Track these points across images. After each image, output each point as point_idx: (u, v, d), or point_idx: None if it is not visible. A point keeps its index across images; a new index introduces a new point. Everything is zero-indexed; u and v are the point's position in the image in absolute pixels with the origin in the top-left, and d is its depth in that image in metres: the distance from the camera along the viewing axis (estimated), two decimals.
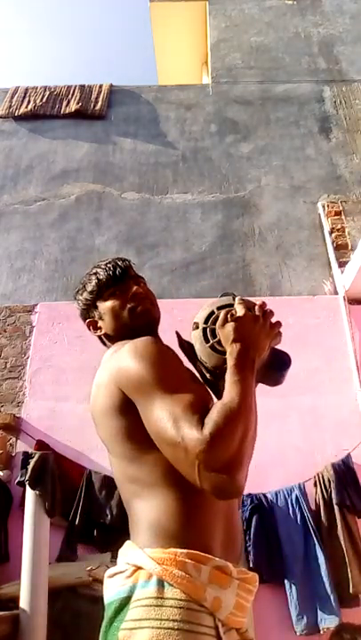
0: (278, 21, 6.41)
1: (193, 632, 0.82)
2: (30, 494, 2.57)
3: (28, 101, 5.58)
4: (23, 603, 2.18)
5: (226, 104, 5.57)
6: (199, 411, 0.89)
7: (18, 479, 2.91)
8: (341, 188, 4.80)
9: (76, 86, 5.77)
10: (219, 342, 1.02)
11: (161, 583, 0.86)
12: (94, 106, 5.52)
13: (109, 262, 1.25)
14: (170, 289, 4.14)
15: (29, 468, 2.81)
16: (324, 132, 5.27)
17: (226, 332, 0.99)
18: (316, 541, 2.95)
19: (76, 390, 3.67)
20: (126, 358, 1.01)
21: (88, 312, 1.26)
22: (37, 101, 5.56)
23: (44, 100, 5.59)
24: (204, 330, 1.05)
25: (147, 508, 0.94)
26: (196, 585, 0.86)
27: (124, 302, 1.19)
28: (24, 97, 5.66)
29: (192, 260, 4.38)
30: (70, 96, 5.65)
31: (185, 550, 0.88)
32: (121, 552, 0.97)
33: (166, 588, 0.85)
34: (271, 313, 1.05)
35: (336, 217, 4.52)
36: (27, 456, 2.98)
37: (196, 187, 4.88)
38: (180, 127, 5.39)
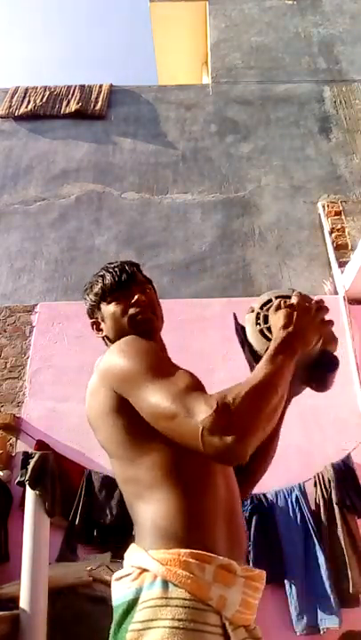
0: (278, 21, 6.41)
1: (199, 631, 0.83)
2: (30, 494, 2.57)
3: (28, 101, 5.58)
4: (23, 603, 2.18)
5: (226, 104, 5.57)
6: (199, 387, 0.91)
7: (18, 479, 2.91)
8: (341, 188, 4.80)
9: (76, 86, 5.77)
10: (269, 329, 1.03)
11: (165, 584, 0.86)
12: (94, 106, 5.52)
13: (117, 266, 1.24)
14: (170, 289, 4.14)
15: (29, 467, 2.81)
16: (324, 132, 5.27)
17: (276, 318, 1.00)
18: (316, 541, 2.95)
19: (76, 390, 3.67)
20: (112, 357, 1.02)
21: (93, 312, 1.25)
22: (37, 101, 5.56)
23: (44, 100, 5.59)
24: (258, 314, 1.07)
25: (149, 509, 0.94)
26: (201, 584, 0.86)
27: (126, 308, 1.18)
28: (24, 97, 5.66)
29: (192, 260, 4.38)
30: (70, 96, 5.65)
31: (188, 550, 0.88)
32: (126, 555, 0.97)
33: (171, 588, 0.85)
34: (325, 309, 1.03)
35: (336, 217, 4.52)
36: (27, 456, 2.98)
37: (196, 187, 4.88)
38: (180, 127, 5.39)
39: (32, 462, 2.85)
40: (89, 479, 3.25)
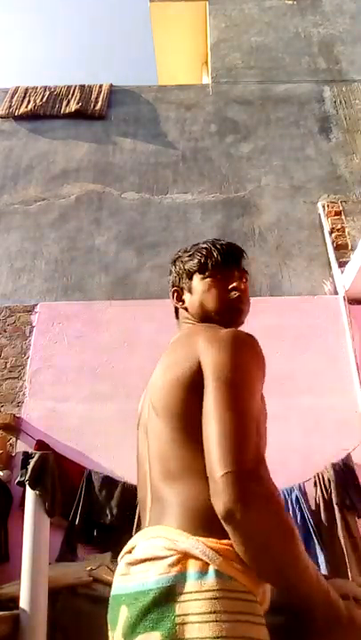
0: (278, 21, 6.41)
1: (258, 624, 0.79)
2: (30, 494, 2.57)
3: (28, 101, 5.58)
4: (23, 603, 2.18)
5: (226, 104, 5.57)
6: (259, 438, 0.88)
7: (18, 479, 2.90)
8: (341, 188, 4.80)
9: (76, 86, 5.77)
10: None
11: (220, 575, 0.79)
12: (94, 106, 5.52)
13: (226, 244, 1.19)
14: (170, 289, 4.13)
15: (29, 467, 2.81)
16: (324, 132, 5.27)
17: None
18: (316, 541, 2.95)
19: (76, 390, 3.67)
20: (222, 343, 0.93)
21: (179, 280, 1.19)
22: (37, 101, 5.56)
23: (44, 100, 5.59)
24: None
25: (194, 492, 0.87)
26: (253, 579, 0.82)
27: (224, 290, 1.11)
28: (24, 97, 5.66)
29: None
30: (70, 96, 5.65)
31: None
32: (155, 534, 0.87)
33: (225, 579, 0.79)
34: None
35: (336, 217, 4.52)
36: (27, 456, 2.98)
37: (196, 187, 4.88)
38: (180, 127, 5.39)
39: (32, 462, 2.85)
40: (89, 479, 3.25)
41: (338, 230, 4.43)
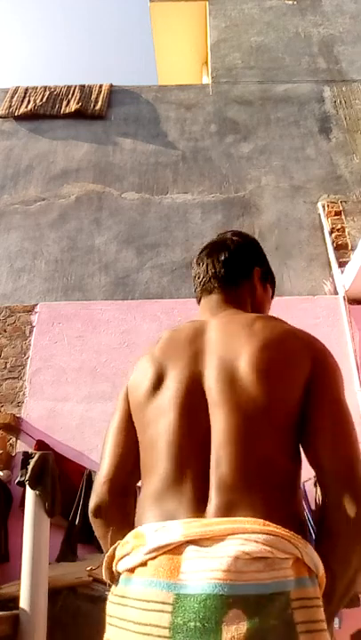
0: (278, 21, 6.42)
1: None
2: (30, 494, 2.57)
3: (28, 101, 5.59)
4: (23, 603, 2.18)
5: (226, 104, 5.57)
6: None
7: (18, 479, 2.90)
8: (341, 188, 4.80)
9: (76, 86, 5.77)
10: None
11: (318, 583, 0.81)
12: (94, 106, 5.53)
13: None
14: (170, 289, 4.14)
15: (29, 467, 2.81)
16: (324, 132, 5.27)
17: None
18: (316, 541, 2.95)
19: (76, 390, 3.67)
20: (329, 357, 1.03)
21: (264, 267, 1.25)
22: (37, 101, 5.56)
23: (44, 99, 5.59)
24: None
25: (295, 499, 0.91)
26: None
27: (270, 305, 1.28)
28: (24, 97, 5.66)
29: (192, 259, 4.38)
30: (70, 96, 5.65)
31: None
32: (265, 530, 0.79)
33: (318, 588, 0.80)
34: None
35: (336, 217, 4.52)
36: (27, 456, 2.98)
37: (196, 187, 4.88)
38: (180, 127, 5.40)
39: (32, 462, 2.85)
40: (89, 479, 3.24)
41: (338, 230, 4.43)
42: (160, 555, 0.79)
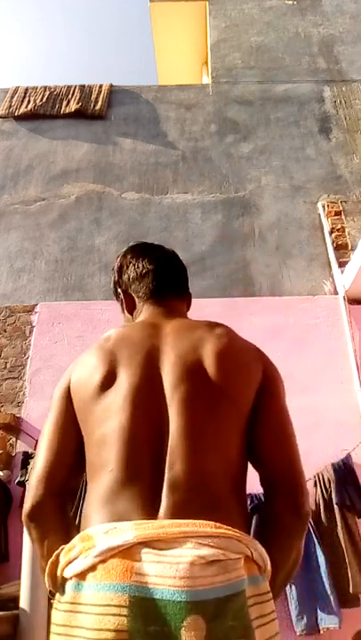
0: (278, 21, 6.42)
1: None
2: None
3: (28, 101, 5.59)
4: (23, 603, 2.18)
5: (226, 104, 5.57)
6: None
7: (18, 479, 2.91)
8: (341, 188, 4.80)
9: (76, 86, 5.77)
10: None
11: (266, 578, 0.87)
12: (94, 106, 5.53)
13: None
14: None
15: (29, 467, 2.81)
16: (324, 132, 5.27)
17: None
18: (316, 541, 2.95)
19: None
20: (275, 369, 1.08)
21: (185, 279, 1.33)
22: (37, 101, 5.56)
23: (44, 100, 5.59)
24: None
25: (244, 495, 0.96)
26: None
27: None
28: (24, 97, 5.66)
29: (192, 259, 4.38)
30: (70, 96, 5.65)
31: None
32: (214, 532, 0.80)
33: (267, 582, 0.87)
34: None
35: (336, 217, 4.52)
36: (27, 456, 2.99)
37: (196, 187, 4.88)
38: (180, 127, 5.40)
39: (32, 462, 2.85)
40: None
41: (338, 230, 4.43)
42: (111, 557, 0.77)
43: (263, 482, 0.99)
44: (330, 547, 2.93)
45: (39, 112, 5.49)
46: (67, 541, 0.86)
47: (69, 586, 0.80)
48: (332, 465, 3.15)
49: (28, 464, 2.86)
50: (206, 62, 6.87)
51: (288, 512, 0.93)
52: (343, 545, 2.89)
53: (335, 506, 3.01)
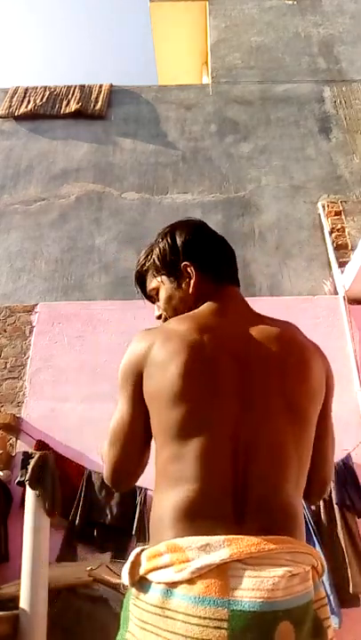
0: (278, 21, 6.42)
1: None
2: (30, 494, 2.57)
3: (28, 101, 5.59)
4: (23, 603, 2.18)
5: (226, 104, 5.57)
6: None
7: (18, 479, 2.91)
8: (341, 188, 4.80)
9: (76, 86, 5.77)
10: None
11: (322, 581, 0.94)
12: (94, 106, 5.53)
13: None
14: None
15: (29, 467, 2.81)
16: (324, 132, 5.27)
17: None
18: (316, 541, 2.95)
19: (76, 390, 3.67)
20: (332, 375, 1.11)
21: None
22: (37, 101, 5.56)
23: (44, 99, 5.59)
24: None
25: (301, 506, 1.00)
26: None
27: None
28: (24, 97, 5.66)
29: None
30: (70, 96, 5.65)
31: None
32: (294, 549, 0.88)
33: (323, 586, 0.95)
34: None
35: (336, 217, 4.52)
36: (27, 456, 2.98)
37: (196, 187, 4.88)
38: (180, 127, 5.40)
39: (32, 462, 2.85)
40: (89, 479, 3.25)
41: (338, 230, 4.43)
42: (208, 572, 0.82)
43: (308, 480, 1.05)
44: (330, 547, 2.93)
45: (39, 112, 5.49)
46: None
47: (157, 590, 0.85)
48: None
49: (28, 464, 2.85)
50: (206, 62, 6.87)
51: (312, 501, 1.11)
52: (343, 545, 2.90)
53: (335, 506, 3.01)
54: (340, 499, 3.01)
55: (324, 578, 2.82)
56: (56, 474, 2.91)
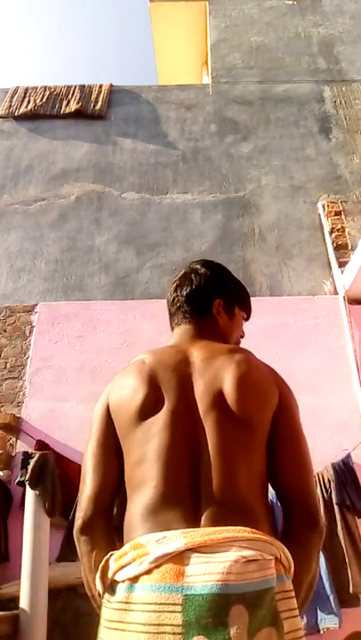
0: (278, 21, 6.42)
1: None
2: (30, 494, 2.57)
3: (28, 101, 5.59)
4: (23, 603, 2.18)
5: (226, 104, 5.57)
6: None
7: (18, 479, 2.91)
8: (341, 188, 4.80)
9: (76, 86, 5.77)
10: None
11: (290, 578, 0.96)
12: (94, 106, 5.53)
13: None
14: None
15: (29, 467, 2.81)
16: (324, 132, 5.27)
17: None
18: None
19: (76, 390, 3.67)
20: (290, 391, 1.16)
21: (227, 295, 1.31)
22: (37, 101, 5.56)
23: (44, 99, 5.59)
24: None
25: (268, 507, 1.05)
26: None
27: (241, 328, 1.35)
28: (24, 97, 5.66)
29: (192, 260, 4.36)
30: (70, 96, 5.65)
31: None
32: (251, 537, 0.93)
33: (290, 581, 0.97)
34: None
35: (336, 217, 4.52)
36: (27, 456, 2.98)
37: (196, 187, 4.88)
38: (180, 127, 5.40)
39: (32, 462, 2.85)
40: None
41: (338, 230, 4.43)
42: (164, 562, 0.88)
43: (280, 499, 1.11)
44: (330, 547, 2.92)
45: (39, 112, 5.49)
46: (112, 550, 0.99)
47: (121, 588, 0.91)
48: (333, 465, 3.15)
49: (28, 464, 2.86)
50: (206, 62, 6.87)
51: (305, 528, 1.05)
52: (343, 545, 2.89)
53: (335, 506, 3.00)
54: (340, 499, 3.01)
55: (324, 578, 2.83)
56: (56, 474, 2.91)
